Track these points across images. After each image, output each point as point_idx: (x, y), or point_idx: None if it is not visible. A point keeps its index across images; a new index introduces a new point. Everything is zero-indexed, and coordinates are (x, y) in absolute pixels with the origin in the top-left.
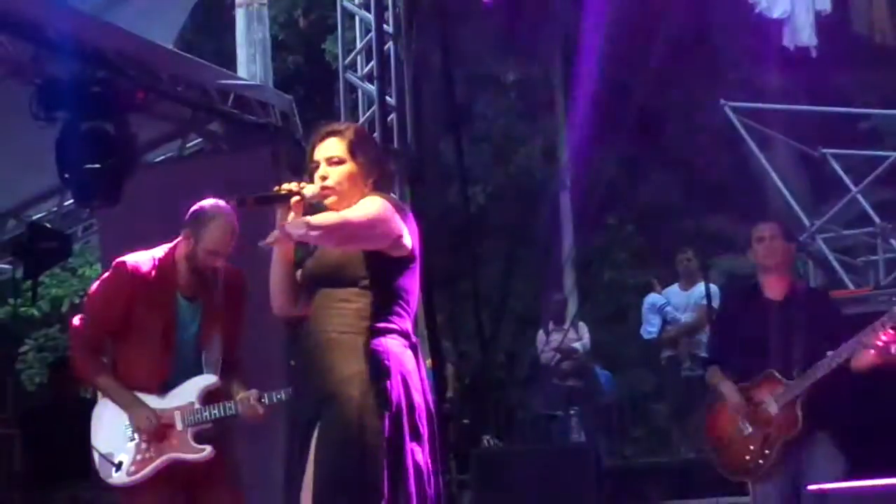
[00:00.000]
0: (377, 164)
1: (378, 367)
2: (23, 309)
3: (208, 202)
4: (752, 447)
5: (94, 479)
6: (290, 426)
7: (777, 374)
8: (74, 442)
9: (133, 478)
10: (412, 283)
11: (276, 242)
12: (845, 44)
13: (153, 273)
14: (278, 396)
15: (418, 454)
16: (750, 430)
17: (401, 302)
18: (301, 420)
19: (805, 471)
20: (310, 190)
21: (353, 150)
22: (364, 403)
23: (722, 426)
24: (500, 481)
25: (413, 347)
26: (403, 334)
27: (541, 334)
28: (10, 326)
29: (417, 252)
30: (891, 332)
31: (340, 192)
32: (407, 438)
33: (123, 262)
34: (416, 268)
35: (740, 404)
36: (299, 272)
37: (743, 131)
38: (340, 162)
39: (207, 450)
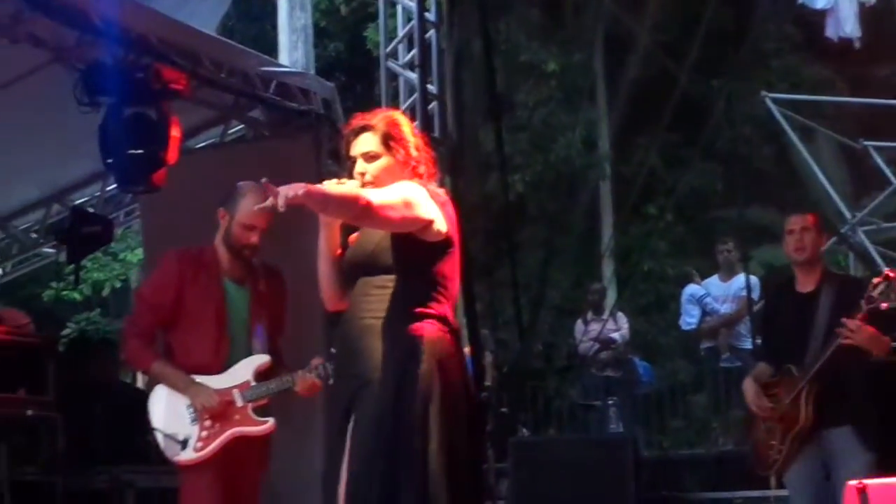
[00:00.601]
0: (415, 151)
1: (413, 352)
2: (65, 293)
3: (241, 182)
4: (772, 442)
5: (134, 462)
6: (329, 410)
7: (793, 370)
8: (114, 424)
9: (201, 453)
10: (450, 268)
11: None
12: (889, 35)
13: (200, 259)
14: (288, 381)
15: (455, 439)
16: (769, 426)
17: (438, 287)
18: (340, 404)
19: (830, 465)
20: (350, 185)
21: (387, 142)
22: (399, 387)
23: (754, 425)
24: (538, 470)
25: (453, 332)
26: (441, 319)
27: (579, 324)
28: (52, 310)
29: (455, 238)
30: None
31: (380, 185)
32: (442, 423)
33: (171, 252)
34: (455, 253)
35: (756, 401)
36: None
37: (784, 123)
38: (376, 157)
39: (270, 422)
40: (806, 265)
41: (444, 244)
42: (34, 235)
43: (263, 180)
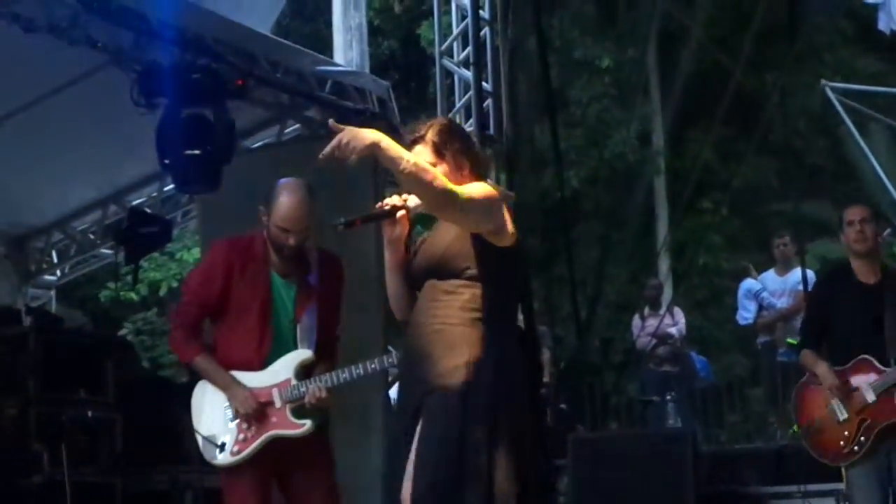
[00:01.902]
0: (467, 154)
1: (481, 360)
2: (122, 293)
3: (281, 180)
4: (846, 433)
5: (192, 462)
6: (395, 415)
7: (874, 361)
8: (171, 425)
9: (236, 457)
10: (515, 273)
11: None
12: None
13: (248, 251)
14: (372, 366)
15: (520, 443)
16: (845, 415)
17: (506, 293)
18: (408, 409)
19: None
20: (413, 201)
21: (439, 150)
22: (467, 394)
23: (814, 409)
24: (597, 466)
25: (521, 338)
26: (508, 325)
27: (636, 319)
28: (109, 310)
29: (518, 239)
30: None
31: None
32: (507, 428)
33: (220, 242)
34: (518, 260)
35: (837, 387)
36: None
37: (843, 113)
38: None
39: (308, 424)
40: (867, 256)
41: (512, 250)
42: (92, 236)
43: (339, 226)
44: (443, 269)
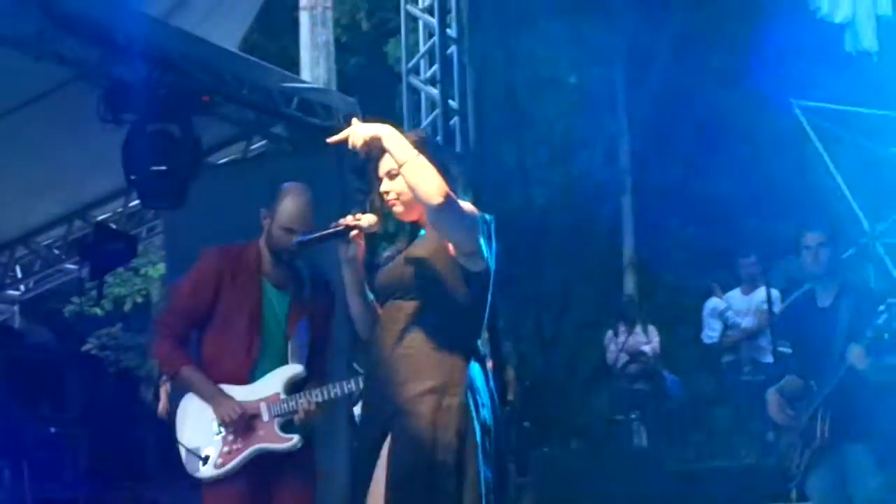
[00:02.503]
0: (435, 166)
1: (448, 385)
2: (87, 308)
3: (286, 184)
4: (792, 454)
5: (155, 478)
6: (359, 436)
7: (814, 385)
8: (134, 441)
9: (220, 470)
10: (485, 298)
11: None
12: None
13: (240, 259)
14: (334, 391)
15: (486, 468)
16: (791, 440)
17: (472, 317)
18: (371, 432)
19: (846, 478)
20: (366, 220)
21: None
22: (435, 420)
23: (780, 436)
24: (561, 484)
25: (481, 360)
26: (471, 349)
27: (609, 334)
28: (74, 325)
29: (492, 270)
30: None
31: (404, 201)
32: (476, 453)
33: (210, 250)
34: (489, 286)
35: (778, 415)
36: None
37: (811, 131)
38: (398, 173)
39: (295, 439)
40: (823, 279)
41: (484, 276)
42: (57, 251)
43: (291, 246)
44: (407, 289)
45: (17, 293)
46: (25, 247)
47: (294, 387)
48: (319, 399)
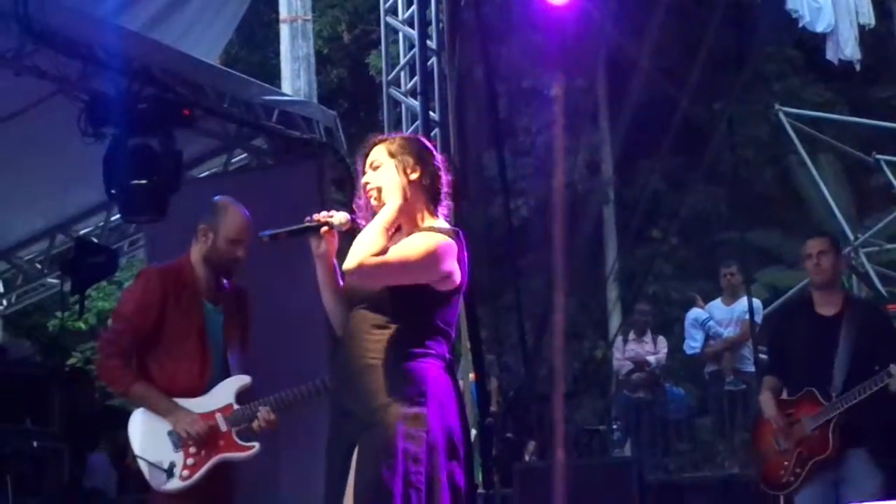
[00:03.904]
0: (420, 164)
1: (415, 394)
2: (70, 322)
3: (218, 198)
4: (785, 463)
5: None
6: (329, 445)
7: (817, 394)
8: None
9: (187, 482)
10: (454, 313)
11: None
12: (889, 58)
13: (179, 279)
14: (315, 386)
15: (456, 477)
16: (784, 445)
17: (441, 331)
18: (342, 445)
19: (842, 486)
20: (338, 218)
21: (392, 153)
22: (401, 429)
23: (762, 438)
24: (543, 496)
25: (449, 368)
26: (439, 357)
27: (619, 342)
28: (57, 340)
29: (465, 282)
30: None
31: (380, 189)
32: (443, 462)
33: (151, 270)
34: (460, 297)
35: (776, 418)
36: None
37: (795, 138)
38: (380, 165)
39: (256, 446)
40: (825, 288)
41: (454, 292)
42: (38, 266)
43: (265, 239)
44: (377, 303)
45: None
46: (7, 262)
47: (243, 396)
48: (275, 406)
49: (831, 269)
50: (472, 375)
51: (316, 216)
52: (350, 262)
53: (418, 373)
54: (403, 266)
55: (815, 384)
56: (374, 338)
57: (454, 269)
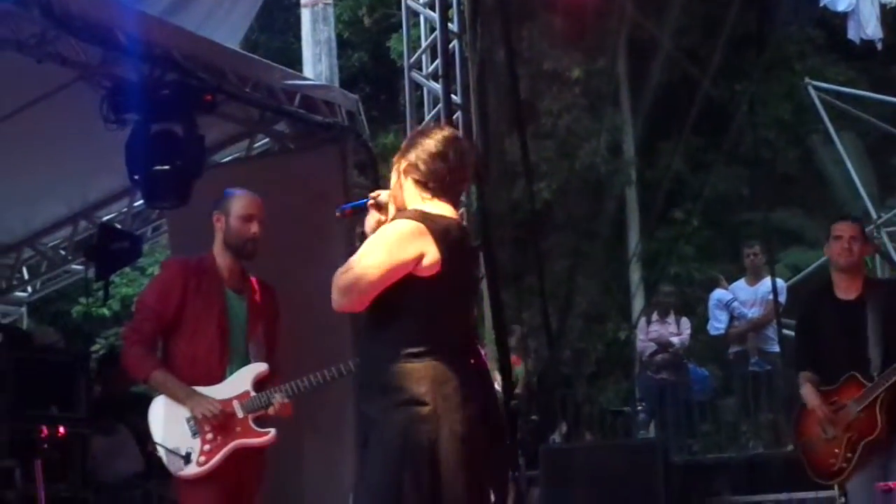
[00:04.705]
0: (408, 150)
1: (414, 395)
2: (94, 308)
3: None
4: (836, 450)
5: (164, 475)
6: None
7: (859, 377)
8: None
9: (204, 468)
10: (445, 295)
11: None
12: None
13: (201, 268)
14: (330, 374)
15: (461, 476)
16: (833, 433)
17: (436, 319)
18: (361, 441)
19: (892, 463)
20: (383, 195)
21: (398, 159)
22: (406, 429)
23: (808, 430)
24: (569, 477)
25: (455, 358)
26: (439, 351)
27: (642, 323)
28: (82, 326)
29: (448, 262)
30: None
31: (396, 203)
32: (448, 461)
33: (172, 260)
34: (449, 279)
35: (820, 408)
36: None
37: (823, 113)
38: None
39: (272, 432)
40: (848, 272)
41: (439, 275)
42: (62, 252)
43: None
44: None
45: (24, 295)
46: (31, 248)
47: (261, 384)
48: (291, 393)
49: (858, 253)
50: (512, 359)
51: (372, 194)
52: (333, 294)
53: (419, 371)
54: (368, 266)
55: (854, 369)
56: (378, 337)
57: (424, 249)
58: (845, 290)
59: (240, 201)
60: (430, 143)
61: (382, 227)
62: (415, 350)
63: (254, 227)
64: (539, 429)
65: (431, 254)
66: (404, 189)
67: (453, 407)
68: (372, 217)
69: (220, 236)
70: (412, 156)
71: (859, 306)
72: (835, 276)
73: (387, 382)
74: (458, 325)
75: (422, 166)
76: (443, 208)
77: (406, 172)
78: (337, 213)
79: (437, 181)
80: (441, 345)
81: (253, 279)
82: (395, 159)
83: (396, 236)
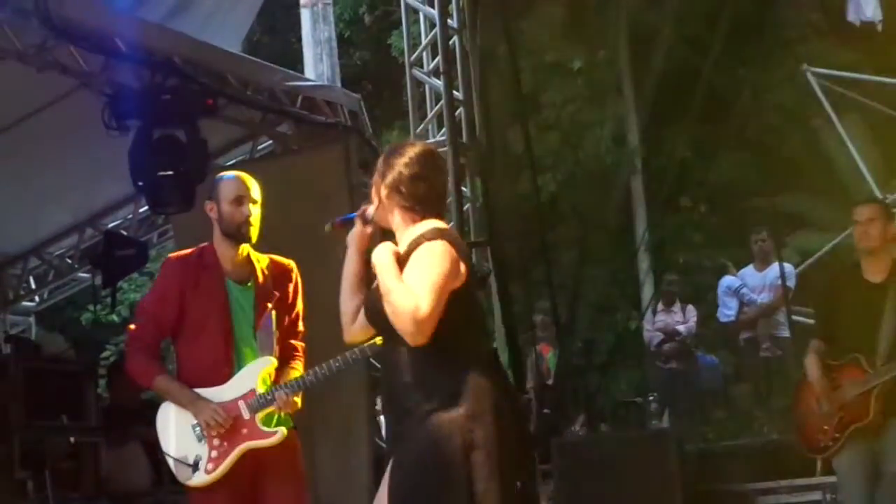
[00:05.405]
0: (385, 171)
1: (447, 402)
2: (103, 316)
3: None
4: (825, 427)
5: (175, 483)
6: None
7: (861, 360)
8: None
9: (212, 475)
10: (471, 302)
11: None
12: None
13: (199, 262)
14: (336, 365)
15: (494, 480)
16: (826, 409)
17: (464, 325)
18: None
19: (881, 458)
20: (372, 208)
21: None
22: (437, 439)
23: (804, 400)
24: (582, 469)
25: (485, 362)
26: (469, 357)
27: (649, 313)
28: (92, 333)
29: (469, 273)
30: None
31: (382, 222)
32: (481, 469)
33: (170, 258)
34: (471, 287)
35: (819, 380)
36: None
37: (823, 98)
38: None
39: (280, 432)
40: (872, 254)
41: (465, 284)
42: (69, 261)
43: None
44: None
45: (32, 304)
46: (38, 257)
47: (268, 380)
48: (296, 388)
49: (880, 236)
50: (540, 347)
51: (364, 206)
52: (405, 333)
53: (448, 379)
54: (434, 302)
55: (861, 351)
56: (405, 348)
57: (461, 265)
58: (872, 272)
59: (227, 185)
60: (406, 166)
61: (425, 257)
62: (446, 358)
63: (245, 209)
64: (551, 422)
65: (462, 267)
66: (393, 215)
67: (487, 410)
68: (357, 228)
69: (216, 226)
70: (390, 180)
71: (883, 290)
72: (861, 258)
73: (416, 391)
74: (482, 330)
75: (404, 190)
76: (437, 224)
77: (389, 199)
78: (327, 228)
79: (422, 202)
80: (466, 348)
81: (268, 258)
82: (373, 180)
83: (448, 264)
